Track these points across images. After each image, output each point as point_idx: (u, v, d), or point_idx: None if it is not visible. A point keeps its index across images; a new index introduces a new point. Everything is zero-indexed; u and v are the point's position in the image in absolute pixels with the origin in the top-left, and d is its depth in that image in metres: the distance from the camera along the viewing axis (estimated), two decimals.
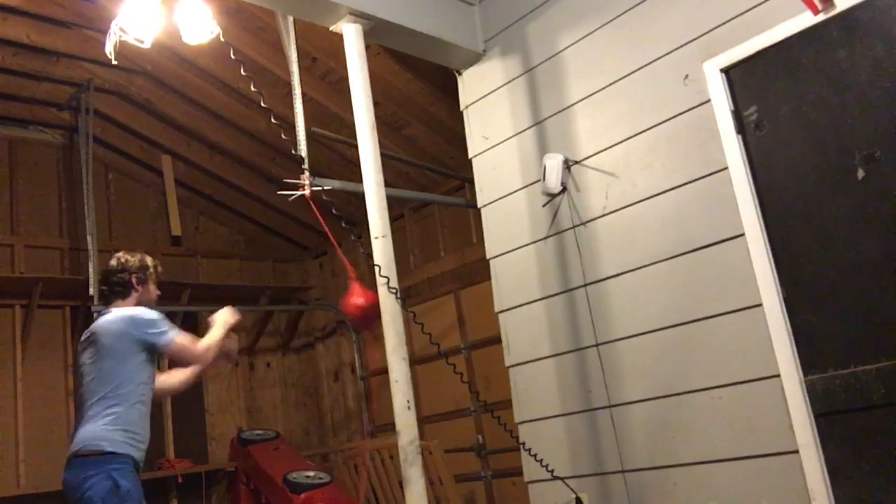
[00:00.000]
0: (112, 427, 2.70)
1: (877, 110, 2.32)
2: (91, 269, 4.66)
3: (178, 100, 5.12)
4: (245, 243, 6.43)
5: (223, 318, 3.07)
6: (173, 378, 3.14)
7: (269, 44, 4.20)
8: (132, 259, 3.00)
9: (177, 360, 2.94)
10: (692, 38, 2.74)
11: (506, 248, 3.33)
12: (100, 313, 2.96)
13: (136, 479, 2.71)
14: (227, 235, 6.34)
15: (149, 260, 3.05)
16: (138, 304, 2.97)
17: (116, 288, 2.95)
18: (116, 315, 2.87)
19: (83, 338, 2.91)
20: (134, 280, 2.96)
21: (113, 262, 3.01)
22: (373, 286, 2.82)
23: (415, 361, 4.54)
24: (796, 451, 2.39)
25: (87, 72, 4.86)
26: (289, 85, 3.56)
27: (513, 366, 3.26)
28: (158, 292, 3.09)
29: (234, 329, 3.15)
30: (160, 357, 3.03)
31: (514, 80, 3.35)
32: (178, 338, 2.88)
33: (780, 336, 2.44)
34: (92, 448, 2.66)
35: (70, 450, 2.72)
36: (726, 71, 2.65)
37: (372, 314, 2.89)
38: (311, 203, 3.19)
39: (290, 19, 3.47)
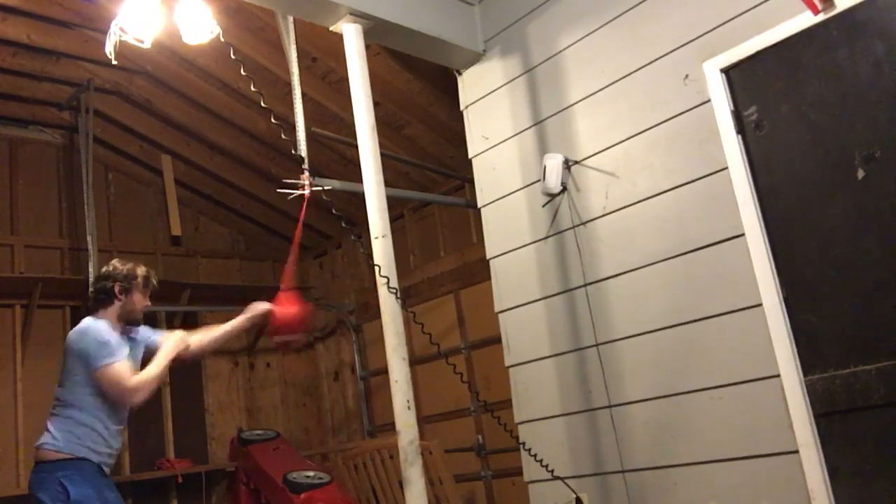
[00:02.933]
0: (67, 432, 2.70)
1: (877, 110, 2.32)
2: (91, 269, 4.67)
3: (178, 100, 5.12)
4: (245, 243, 6.43)
5: (172, 344, 2.96)
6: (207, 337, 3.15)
7: (269, 44, 4.20)
8: (122, 267, 2.94)
9: (104, 391, 2.75)
10: (692, 38, 2.74)
11: (506, 248, 3.33)
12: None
13: (93, 483, 2.68)
14: (227, 235, 6.34)
15: (139, 270, 2.97)
16: (121, 313, 2.91)
17: (99, 296, 2.91)
18: (78, 328, 2.83)
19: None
20: (117, 289, 2.89)
21: (102, 269, 2.99)
22: (373, 286, 2.82)
23: (415, 361, 4.54)
24: (796, 451, 2.39)
25: (87, 72, 4.86)
26: (289, 85, 3.56)
27: (513, 366, 3.26)
28: (147, 303, 2.99)
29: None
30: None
31: (514, 80, 3.35)
32: (113, 367, 2.72)
33: (780, 336, 2.44)
34: (46, 454, 2.69)
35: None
36: (726, 71, 2.64)
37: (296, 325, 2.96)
38: (304, 205, 3.20)
39: (290, 19, 3.47)
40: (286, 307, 3.16)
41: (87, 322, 2.85)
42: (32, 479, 2.71)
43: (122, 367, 2.75)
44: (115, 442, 2.82)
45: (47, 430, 2.74)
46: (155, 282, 3.06)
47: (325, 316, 6.25)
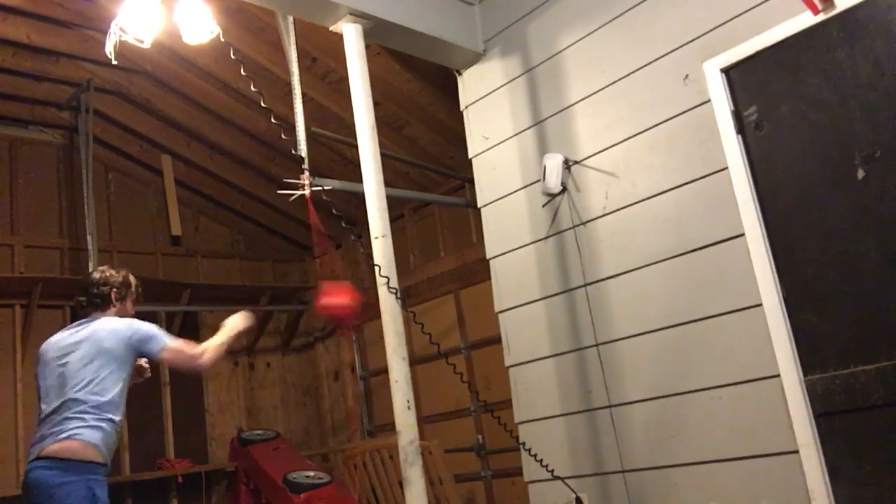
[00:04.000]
0: (101, 433, 2.67)
1: (877, 110, 2.32)
2: (91, 270, 4.66)
3: (178, 100, 5.12)
4: (245, 243, 6.43)
5: (233, 324, 3.06)
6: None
7: (269, 44, 4.20)
8: (116, 275, 2.99)
9: (171, 365, 2.91)
10: (692, 38, 2.74)
11: (506, 248, 3.33)
12: (90, 319, 2.90)
13: (105, 490, 2.67)
14: (227, 235, 6.34)
15: (132, 279, 3.04)
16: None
17: (95, 300, 2.93)
18: (113, 322, 2.85)
19: (70, 340, 2.82)
20: (114, 295, 2.94)
21: (96, 274, 2.99)
22: (373, 286, 2.81)
23: (415, 361, 4.54)
24: (796, 451, 2.39)
25: (87, 72, 4.86)
26: (289, 85, 3.56)
27: (513, 366, 3.26)
28: (133, 311, 3.04)
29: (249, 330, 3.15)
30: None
31: (514, 79, 3.35)
32: (171, 344, 2.86)
33: (780, 336, 2.44)
34: (75, 451, 2.59)
35: (44, 448, 2.62)
36: (726, 71, 2.65)
37: (349, 313, 2.94)
38: (309, 205, 3.18)
39: (290, 19, 3.47)
40: (334, 297, 3.02)
41: (121, 320, 2.89)
42: (47, 477, 2.56)
43: (175, 340, 2.90)
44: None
45: (81, 421, 2.63)
46: (140, 290, 3.12)
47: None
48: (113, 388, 2.74)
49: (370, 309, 2.81)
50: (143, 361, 2.98)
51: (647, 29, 2.88)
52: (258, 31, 4.22)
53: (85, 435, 2.63)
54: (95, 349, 2.76)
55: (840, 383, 2.34)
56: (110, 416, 2.71)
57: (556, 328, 3.10)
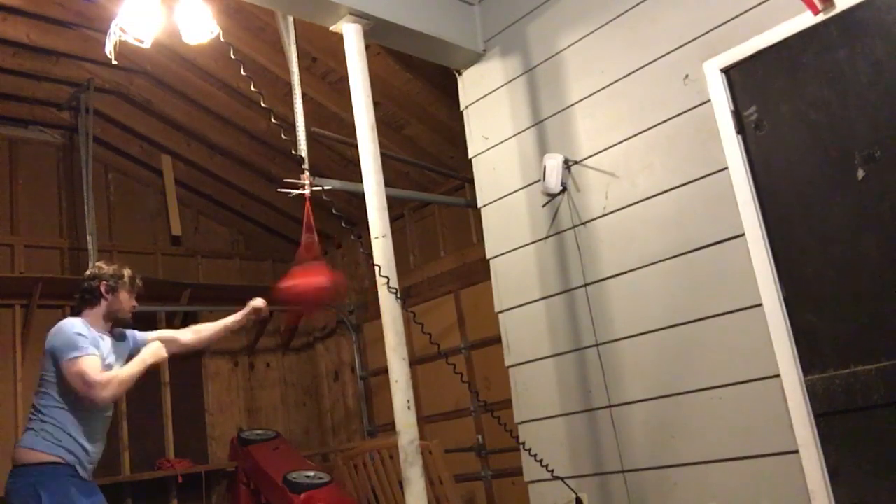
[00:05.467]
0: (42, 432, 2.66)
1: (877, 110, 2.32)
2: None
3: (178, 100, 5.12)
4: (245, 243, 6.43)
5: (150, 353, 2.87)
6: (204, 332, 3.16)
7: (269, 44, 4.20)
8: (107, 268, 2.93)
9: (69, 384, 2.67)
10: (692, 38, 2.74)
11: (506, 248, 3.33)
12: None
13: (67, 489, 2.62)
14: (227, 235, 6.34)
15: (126, 271, 2.95)
16: (107, 312, 2.89)
17: (85, 296, 2.88)
18: (58, 325, 2.80)
19: None
20: (103, 288, 2.86)
21: (88, 271, 2.98)
22: (373, 286, 2.81)
23: (415, 361, 4.54)
24: (796, 451, 2.39)
25: (87, 72, 4.86)
26: (289, 85, 3.56)
27: (513, 366, 3.26)
28: (134, 303, 2.96)
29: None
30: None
31: (514, 80, 3.35)
32: (80, 361, 2.64)
33: (780, 336, 2.44)
34: (21, 456, 2.64)
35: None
36: (726, 71, 2.64)
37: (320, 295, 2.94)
38: (308, 204, 3.18)
39: (290, 19, 3.47)
40: (304, 278, 3.05)
41: (63, 321, 2.82)
42: (7, 484, 2.64)
43: (90, 361, 2.65)
44: (93, 446, 2.75)
45: (26, 429, 2.71)
46: (139, 283, 3.02)
47: (325, 316, 6.25)
48: (47, 385, 2.71)
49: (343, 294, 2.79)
50: (258, 302, 3.04)
51: (647, 29, 2.88)
52: (258, 31, 4.22)
53: (27, 440, 2.67)
54: (45, 352, 2.76)
55: (840, 383, 2.34)
56: (48, 413, 2.69)
57: (556, 328, 3.10)
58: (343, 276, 2.87)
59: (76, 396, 2.68)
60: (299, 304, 3.19)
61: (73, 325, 2.76)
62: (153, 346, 2.91)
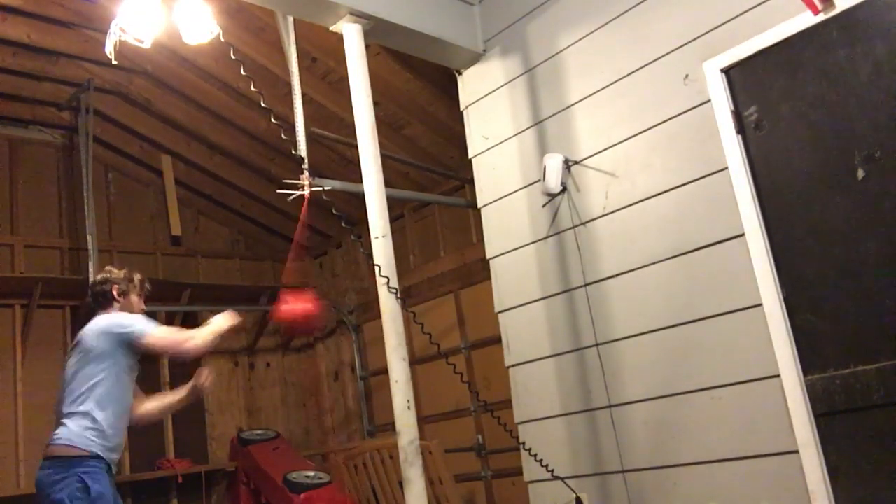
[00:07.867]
0: (83, 428, 2.70)
1: (877, 110, 2.32)
2: (91, 269, 4.66)
3: (178, 100, 5.12)
4: (245, 243, 6.43)
5: (219, 323, 3.02)
6: (157, 402, 3.16)
7: (269, 44, 4.20)
8: (117, 272, 3.04)
9: (164, 355, 2.90)
10: (692, 38, 2.74)
11: (506, 248, 3.33)
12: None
13: (109, 481, 2.69)
14: (227, 235, 6.34)
15: (136, 275, 3.07)
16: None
17: (99, 299, 2.99)
18: (99, 319, 2.90)
19: (71, 345, 2.93)
20: (115, 291, 2.97)
21: (99, 275, 3.06)
22: (373, 286, 2.81)
23: (415, 361, 4.54)
24: (796, 451, 2.39)
25: (87, 72, 4.86)
26: (289, 85, 3.56)
27: (513, 366, 3.26)
28: (143, 306, 3.07)
29: (234, 330, 3.13)
30: (146, 363, 3.02)
31: (514, 79, 3.35)
32: (155, 331, 2.86)
33: (780, 336, 2.44)
34: (63, 450, 2.67)
35: (44, 450, 2.73)
36: (726, 71, 2.65)
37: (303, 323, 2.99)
38: (305, 205, 3.18)
39: (290, 19, 3.47)
40: (292, 305, 3.10)
41: (105, 316, 2.91)
42: (44, 477, 2.66)
43: (162, 328, 2.91)
44: (121, 439, 2.83)
45: (63, 425, 2.72)
46: (148, 286, 3.14)
47: (325, 316, 6.25)
48: (87, 382, 2.75)
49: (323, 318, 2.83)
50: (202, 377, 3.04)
51: (647, 29, 2.88)
52: (258, 31, 4.22)
53: (65, 434, 2.69)
54: (81, 350, 2.82)
55: (840, 383, 2.34)
56: (87, 409, 2.72)
57: (556, 328, 3.10)
58: (325, 307, 2.94)
59: (121, 391, 2.80)
60: (289, 328, 3.24)
61: (124, 315, 2.91)
62: (224, 314, 3.05)
